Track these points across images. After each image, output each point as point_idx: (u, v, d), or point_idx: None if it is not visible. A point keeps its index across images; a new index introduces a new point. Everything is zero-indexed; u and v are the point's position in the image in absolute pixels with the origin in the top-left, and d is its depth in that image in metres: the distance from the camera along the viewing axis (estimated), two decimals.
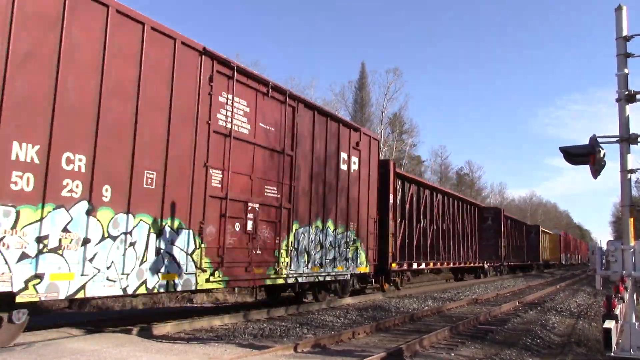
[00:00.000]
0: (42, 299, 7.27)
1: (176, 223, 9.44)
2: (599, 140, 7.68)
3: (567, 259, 72.85)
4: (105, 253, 8.12)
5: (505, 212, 40.43)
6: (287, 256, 12.47)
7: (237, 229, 10.95)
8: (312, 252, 13.63)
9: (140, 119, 8.71)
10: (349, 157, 15.49)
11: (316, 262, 13.78)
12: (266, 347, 8.38)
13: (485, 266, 32.86)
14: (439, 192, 26.17)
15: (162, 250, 9.13)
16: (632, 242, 7.72)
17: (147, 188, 8.87)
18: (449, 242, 26.30)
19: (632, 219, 7.83)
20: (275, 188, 12.14)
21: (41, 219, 7.20)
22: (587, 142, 7.72)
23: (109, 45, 8.22)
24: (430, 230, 23.60)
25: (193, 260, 9.78)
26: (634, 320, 7.31)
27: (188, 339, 9.32)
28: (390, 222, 18.41)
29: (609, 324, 6.62)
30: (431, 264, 23.31)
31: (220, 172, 10.52)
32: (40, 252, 7.19)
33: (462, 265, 28.77)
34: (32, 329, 9.41)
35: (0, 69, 6.82)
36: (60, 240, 7.46)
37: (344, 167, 15.19)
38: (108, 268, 8.16)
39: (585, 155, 7.68)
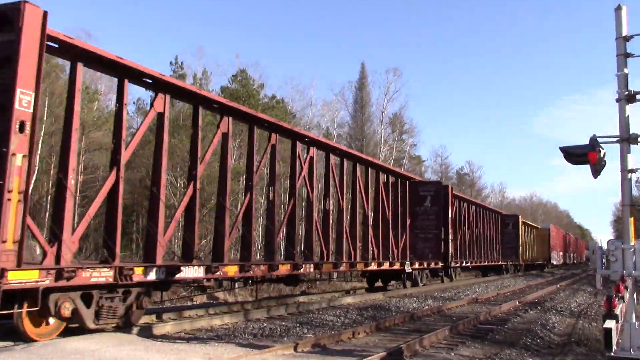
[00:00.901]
0: None
1: None
2: (599, 140, 7.68)
3: (559, 258, 60.61)
4: None
5: (455, 192, 29.67)
6: None
7: None
8: None
9: None
10: None
11: None
12: (266, 347, 8.39)
13: (408, 268, 21.14)
14: (301, 139, 15.44)
15: None
16: (633, 242, 7.72)
17: None
18: (341, 233, 17.10)
19: (632, 219, 7.82)
20: None
21: None
22: (587, 142, 7.72)
23: None
24: (289, 208, 14.92)
25: None
26: (634, 320, 7.31)
27: (188, 339, 9.33)
28: None
29: (610, 323, 6.62)
30: (231, 271, 11.88)
31: None
32: None
33: (375, 268, 18.95)
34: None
35: None
36: None
37: None
38: None
39: (585, 155, 7.68)
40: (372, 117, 50.08)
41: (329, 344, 9.11)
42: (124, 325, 9.60)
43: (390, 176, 21.82)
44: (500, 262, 38.82)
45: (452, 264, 26.69)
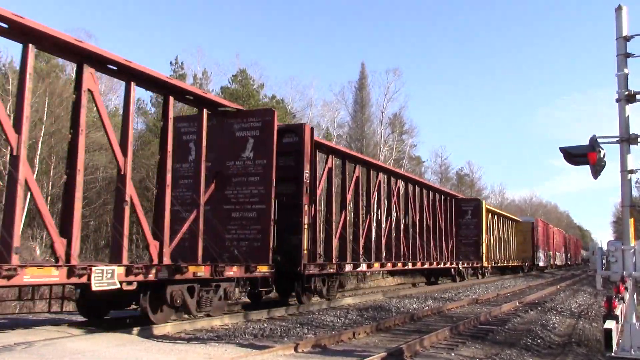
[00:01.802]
0: None
1: None
2: (599, 140, 7.68)
3: (547, 259, 50.33)
4: None
5: (340, 147, 19.70)
6: None
7: None
8: None
9: None
10: None
11: None
12: (266, 347, 8.39)
13: (110, 282, 8.90)
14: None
15: None
16: (633, 242, 7.72)
17: None
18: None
19: (632, 219, 7.83)
20: None
21: None
22: (587, 142, 7.73)
23: None
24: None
25: None
26: (634, 321, 7.31)
27: (188, 339, 9.33)
28: None
29: (610, 324, 6.62)
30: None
31: None
32: None
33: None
34: (32, 328, 9.42)
35: None
36: None
37: None
38: None
39: (585, 155, 7.68)
40: (372, 117, 50.17)
41: (329, 345, 9.11)
42: None
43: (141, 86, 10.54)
44: (448, 265, 26.81)
45: (312, 270, 14.27)
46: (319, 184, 16.07)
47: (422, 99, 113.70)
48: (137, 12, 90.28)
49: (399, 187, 22.03)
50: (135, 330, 9.56)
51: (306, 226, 14.16)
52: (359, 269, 17.80)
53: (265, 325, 11.13)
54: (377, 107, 50.37)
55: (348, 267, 16.77)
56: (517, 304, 17.00)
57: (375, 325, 11.05)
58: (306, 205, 14.19)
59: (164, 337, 9.42)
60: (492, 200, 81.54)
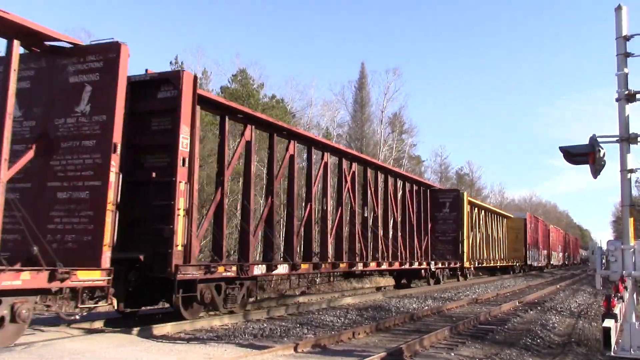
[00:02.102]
0: None
1: None
2: (599, 139, 7.68)
3: (540, 258, 47.53)
4: None
5: (264, 116, 14.56)
6: None
7: None
8: None
9: None
10: None
11: None
12: (266, 347, 8.39)
13: None
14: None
15: None
16: (632, 242, 7.72)
17: None
18: None
19: (632, 219, 7.83)
20: None
21: None
22: (587, 142, 7.73)
23: None
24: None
25: None
26: (633, 320, 7.31)
27: (188, 339, 9.33)
28: None
29: (608, 323, 6.62)
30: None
31: None
32: None
33: None
34: (32, 329, 9.41)
35: None
36: None
37: None
38: None
39: (585, 154, 7.68)
40: (372, 116, 50.13)
41: (329, 345, 9.11)
42: None
43: None
44: (417, 265, 22.63)
45: (190, 274, 10.57)
46: (231, 161, 12.82)
47: (422, 99, 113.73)
48: (137, 12, 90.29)
49: (354, 172, 18.12)
50: (135, 330, 9.55)
51: (181, 212, 10.39)
52: (276, 272, 13.49)
53: (265, 325, 11.13)
54: (377, 107, 50.33)
55: (258, 270, 12.65)
56: (517, 304, 17.00)
57: (375, 325, 11.05)
58: (182, 184, 10.50)
59: (164, 337, 9.41)
60: (492, 199, 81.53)
